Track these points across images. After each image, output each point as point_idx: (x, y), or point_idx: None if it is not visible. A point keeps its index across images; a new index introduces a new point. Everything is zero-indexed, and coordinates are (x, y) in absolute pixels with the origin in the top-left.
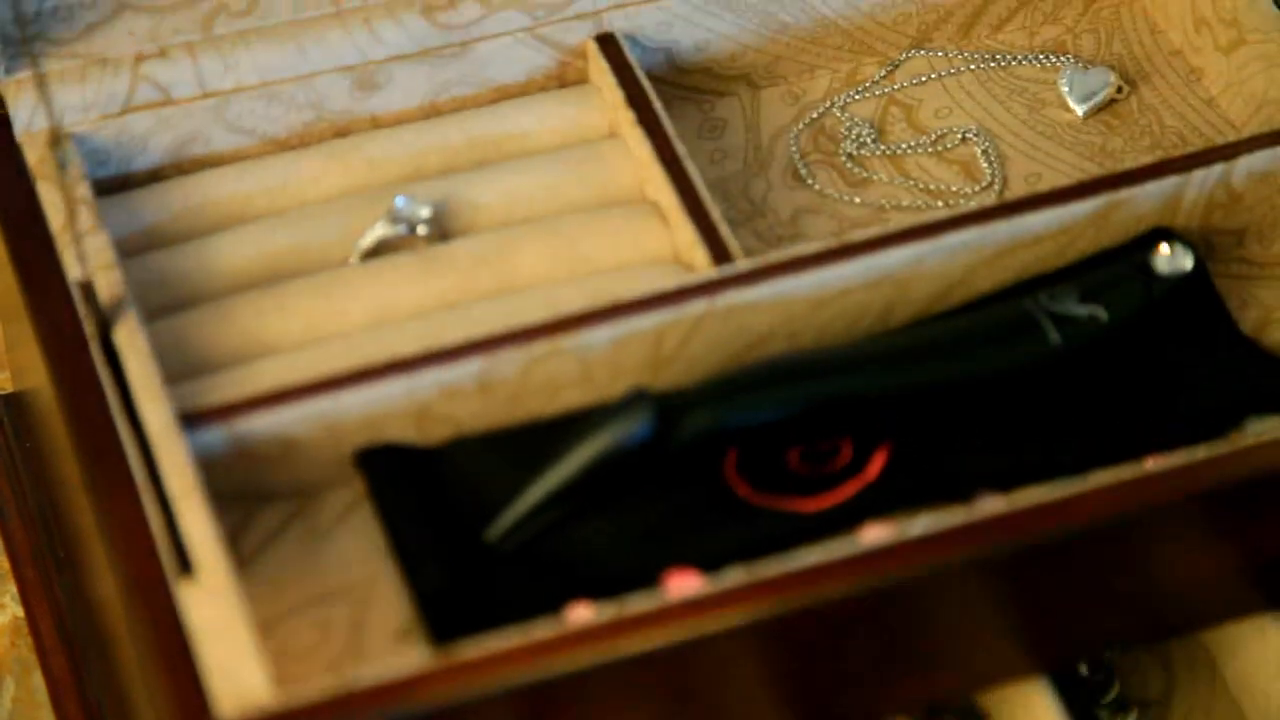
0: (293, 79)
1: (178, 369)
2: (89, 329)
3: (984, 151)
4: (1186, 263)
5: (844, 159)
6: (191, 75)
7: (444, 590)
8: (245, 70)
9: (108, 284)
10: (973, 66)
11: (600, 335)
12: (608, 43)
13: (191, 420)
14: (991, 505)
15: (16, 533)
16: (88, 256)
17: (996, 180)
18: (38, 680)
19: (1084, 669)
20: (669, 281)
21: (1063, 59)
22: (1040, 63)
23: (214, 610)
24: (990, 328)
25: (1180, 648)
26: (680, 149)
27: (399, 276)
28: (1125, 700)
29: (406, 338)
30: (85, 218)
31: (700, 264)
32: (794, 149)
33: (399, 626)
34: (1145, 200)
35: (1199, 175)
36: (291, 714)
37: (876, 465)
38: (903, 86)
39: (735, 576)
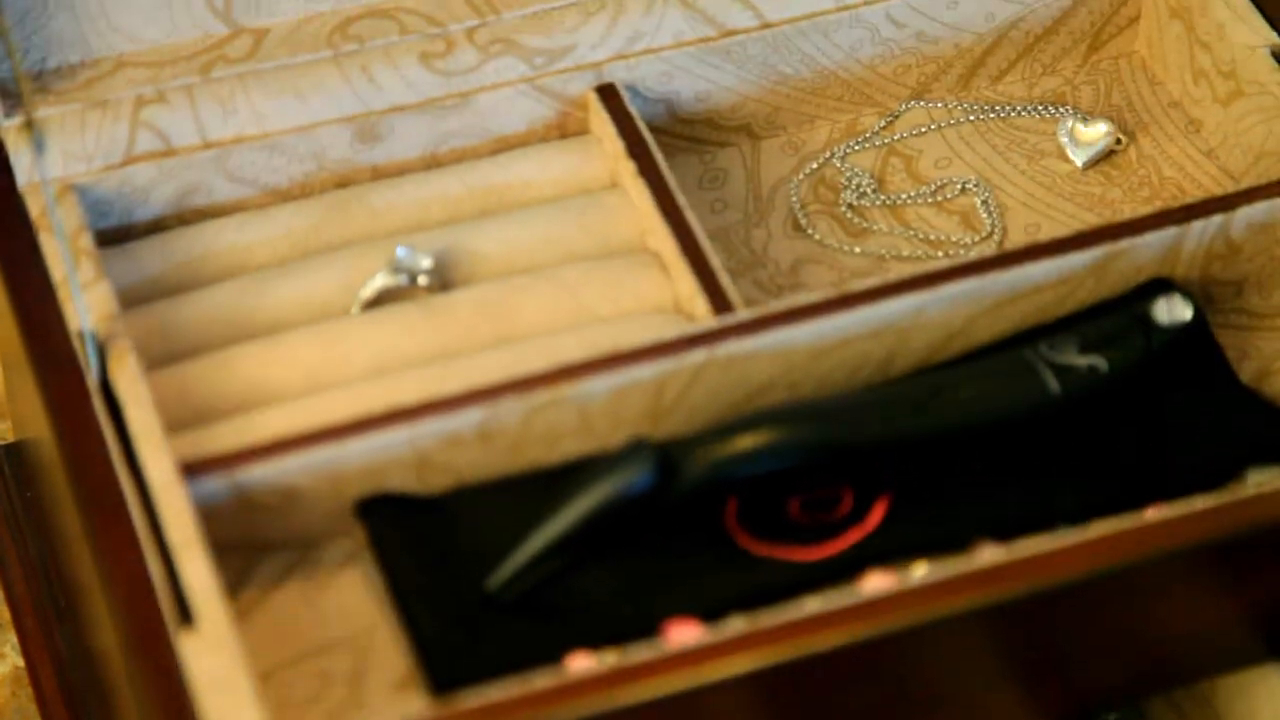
0: (294, 129)
1: (179, 418)
2: (90, 379)
3: (983, 202)
4: (1186, 313)
5: (844, 209)
6: (191, 121)
7: (444, 640)
8: (245, 119)
9: (109, 334)
10: (972, 117)
11: (601, 385)
12: (608, 93)
13: (193, 470)
14: (992, 555)
15: (17, 583)
16: (89, 307)
17: (996, 230)
18: None
19: None
20: (669, 331)
21: (1062, 110)
22: (1039, 114)
23: (214, 660)
24: (990, 378)
25: None
26: (681, 199)
27: (400, 326)
28: None
29: (407, 387)
30: (87, 268)
31: (701, 314)
32: (794, 199)
33: (399, 676)
34: (1144, 251)
35: (1198, 226)
36: None
37: (877, 514)
38: (902, 137)
39: (736, 626)
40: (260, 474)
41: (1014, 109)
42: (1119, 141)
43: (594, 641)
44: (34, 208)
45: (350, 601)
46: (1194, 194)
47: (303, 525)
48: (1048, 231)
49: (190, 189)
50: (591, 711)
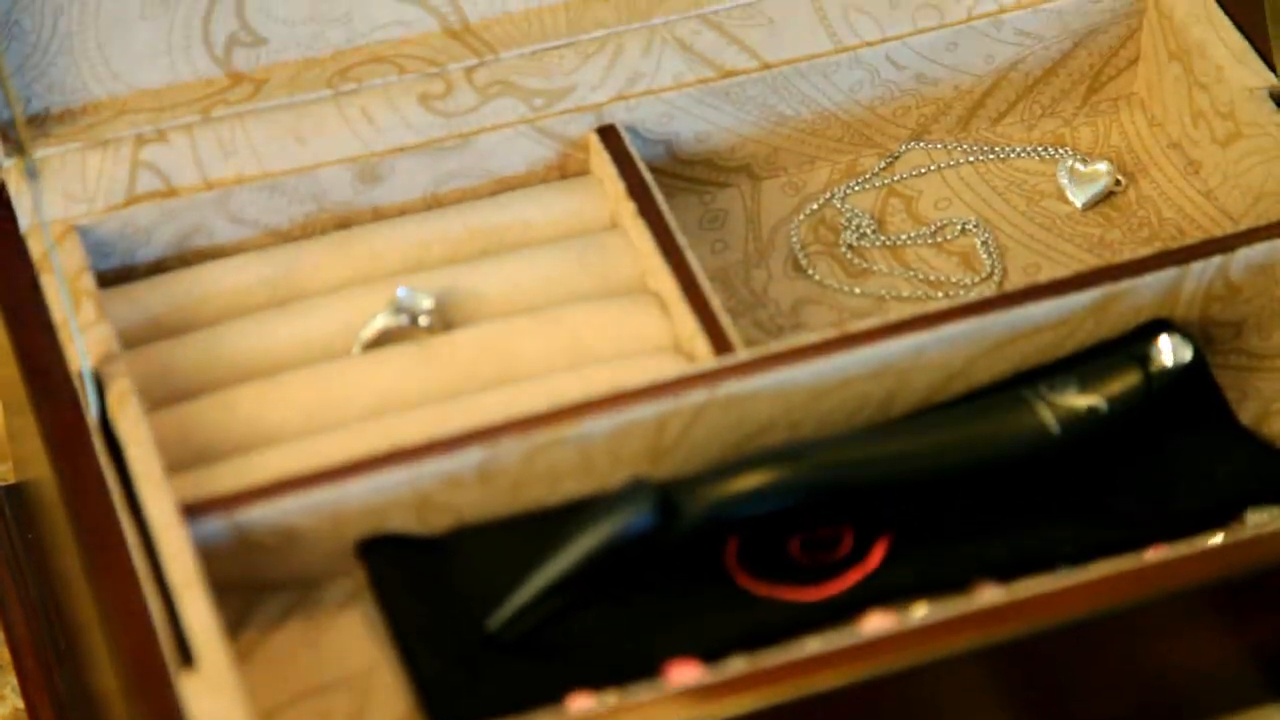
0: (294, 170)
1: (180, 459)
2: (91, 419)
3: (983, 243)
4: (1186, 354)
5: (844, 250)
6: (191, 161)
7: (445, 680)
8: (246, 159)
9: (110, 374)
10: (971, 159)
11: (601, 425)
12: (609, 134)
13: (193, 510)
14: (992, 595)
15: (17, 624)
16: (90, 347)
17: (996, 271)
18: None
19: None
20: (670, 371)
21: (1061, 151)
22: (1039, 155)
23: (215, 701)
24: (990, 418)
25: None
26: (681, 240)
27: (401, 366)
28: None
29: (408, 427)
30: (88, 309)
31: (701, 354)
32: (794, 239)
33: (400, 716)
34: (1144, 292)
35: (1197, 267)
36: None
37: (877, 555)
38: (902, 178)
39: (736, 666)
40: (261, 514)
41: (1013, 150)
42: (1118, 182)
43: (594, 681)
44: (36, 249)
45: (351, 641)
46: (1193, 235)
47: (303, 566)
48: (1047, 272)
49: (191, 230)
50: None
